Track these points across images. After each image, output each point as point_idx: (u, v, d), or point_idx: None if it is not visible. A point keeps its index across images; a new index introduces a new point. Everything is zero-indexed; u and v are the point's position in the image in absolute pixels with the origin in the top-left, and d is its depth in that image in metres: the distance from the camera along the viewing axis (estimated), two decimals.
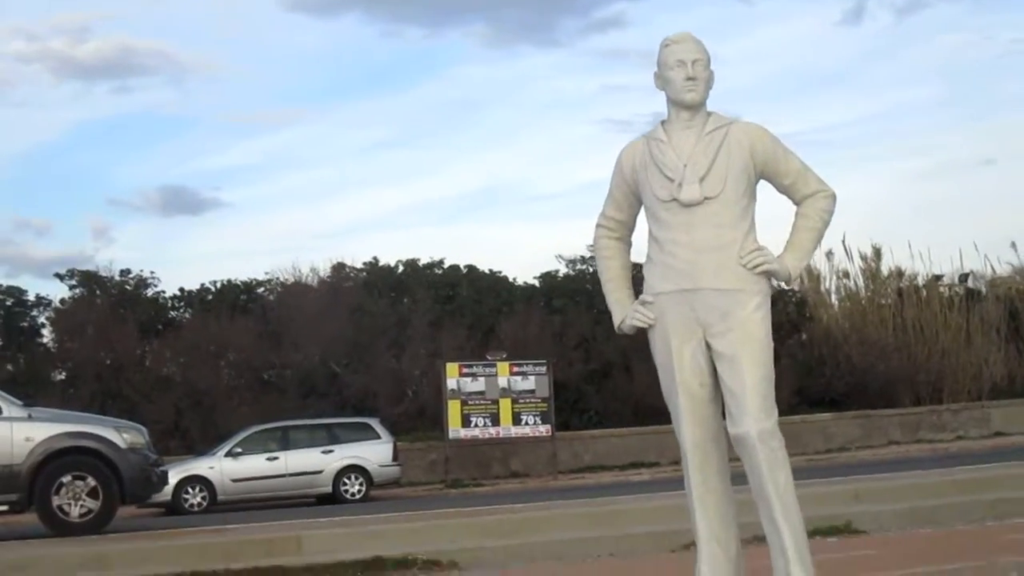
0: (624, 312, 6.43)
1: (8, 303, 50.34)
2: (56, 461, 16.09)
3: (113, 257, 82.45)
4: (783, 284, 6.46)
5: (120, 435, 16.53)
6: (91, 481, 16.09)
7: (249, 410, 38.49)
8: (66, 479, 16.04)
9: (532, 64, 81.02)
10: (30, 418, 16.33)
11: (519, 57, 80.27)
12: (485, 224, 79.18)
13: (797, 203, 6.34)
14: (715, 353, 6.12)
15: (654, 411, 39.91)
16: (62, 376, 47.60)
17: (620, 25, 79.13)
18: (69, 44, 76.09)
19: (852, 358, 44.83)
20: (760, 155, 6.19)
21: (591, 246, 6.71)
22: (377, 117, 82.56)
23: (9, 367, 49.78)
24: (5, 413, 16.19)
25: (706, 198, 6.10)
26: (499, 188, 79.24)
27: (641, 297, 6.38)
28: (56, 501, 15.98)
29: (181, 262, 75.28)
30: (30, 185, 78.41)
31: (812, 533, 7.54)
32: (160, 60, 77.57)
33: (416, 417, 39.79)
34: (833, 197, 6.31)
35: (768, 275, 6.19)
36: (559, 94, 78.81)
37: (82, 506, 16.02)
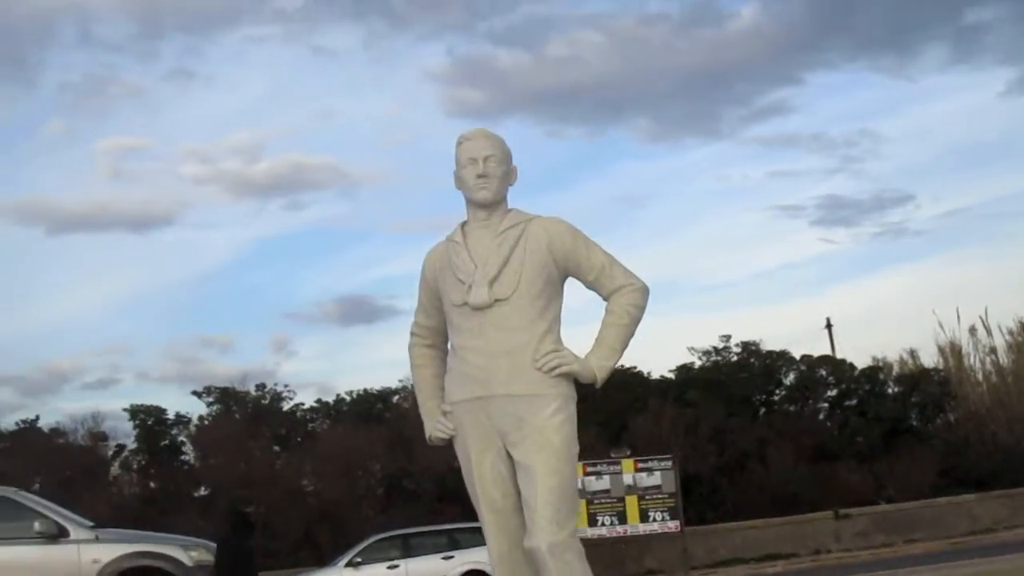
0: (432, 422, 6.04)
1: (149, 422, 51.15)
2: None
3: (297, 369, 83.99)
4: (594, 385, 5.98)
5: (187, 553, 16.35)
6: None
7: (382, 518, 38.41)
8: None
9: (697, 156, 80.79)
10: (97, 539, 16.23)
11: (683, 150, 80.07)
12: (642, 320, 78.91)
13: (605, 299, 5.94)
14: (515, 462, 5.70)
15: (791, 501, 39.14)
16: (203, 492, 48.13)
17: (782, 112, 78.44)
18: (243, 164, 78.39)
19: (998, 436, 43.41)
20: (559, 251, 5.83)
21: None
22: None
23: (152, 484, 50.51)
24: (72, 536, 16.12)
25: (496, 300, 5.75)
26: (659, 284, 78.87)
27: (442, 406, 5.97)
28: None
29: (361, 369, 78.86)
30: (212, 303, 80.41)
31: None
32: (331, 174, 79.01)
33: None
34: (641, 290, 5.94)
35: (568, 377, 5.75)
36: (726, 183, 78.50)
37: None
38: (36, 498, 17.29)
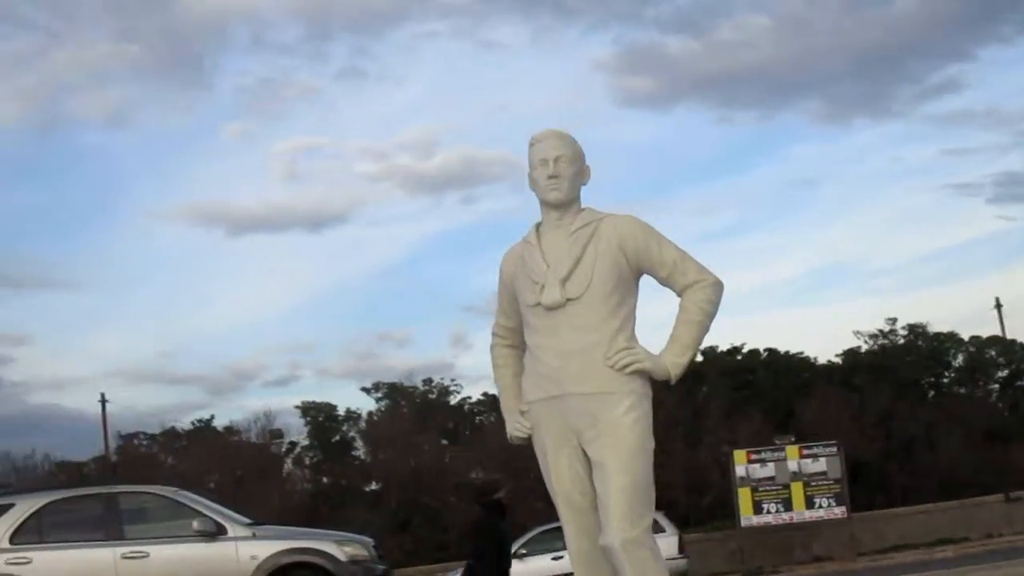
0: (512, 422, 6.10)
1: (320, 418, 52.04)
2: None
3: (474, 362, 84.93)
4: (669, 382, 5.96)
5: (341, 549, 16.58)
6: None
7: (548, 510, 38.49)
8: None
9: (868, 136, 79.86)
10: (254, 536, 16.54)
11: (854, 131, 79.24)
12: (809, 305, 78.21)
13: (679, 295, 5.88)
14: (591, 460, 5.73)
15: (961, 485, 38.52)
16: (373, 487, 48.81)
17: (955, 88, 77.53)
18: (416, 159, 79.85)
19: None
20: (632, 248, 5.81)
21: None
22: (714, 204, 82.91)
23: (323, 480, 51.38)
24: (230, 533, 16.44)
25: (568, 300, 5.75)
26: (828, 268, 78.10)
27: (520, 406, 6.03)
28: None
29: None
30: (389, 299, 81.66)
31: None
32: (503, 167, 79.76)
33: (714, 507, 39.24)
34: (715, 285, 5.87)
35: (642, 374, 5.76)
36: (898, 164, 77.39)
37: None
38: (196, 496, 17.66)
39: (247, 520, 17.38)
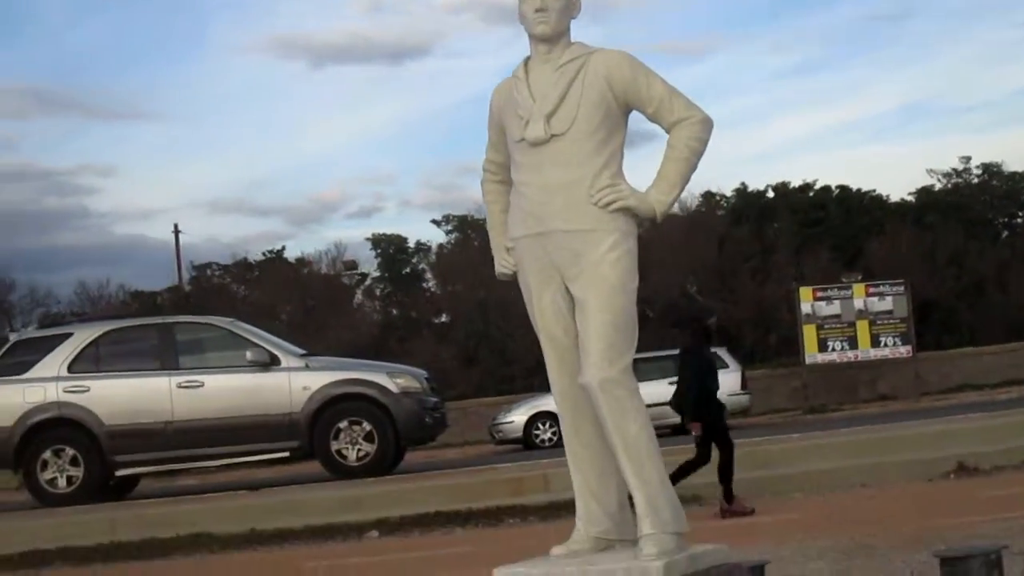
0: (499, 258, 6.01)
1: (391, 250, 52.27)
2: (332, 408, 16.44)
3: None
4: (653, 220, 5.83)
5: (392, 380, 16.72)
6: (366, 426, 16.34)
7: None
8: (343, 424, 16.36)
9: None
10: (307, 367, 16.72)
11: None
12: (886, 143, 77.30)
13: (667, 131, 5.67)
14: (574, 298, 5.64)
15: None
16: (442, 319, 49.13)
17: None
18: None
19: None
20: (619, 83, 5.59)
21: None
22: (796, 39, 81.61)
23: (394, 311, 51.76)
24: (284, 363, 16.63)
25: (553, 135, 5.56)
26: (907, 106, 76.93)
27: (505, 243, 5.94)
28: (334, 446, 16.33)
29: None
30: (470, 130, 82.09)
31: None
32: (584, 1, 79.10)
33: (781, 344, 39.21)
34: (704, 122, 5.63)
35: (626, 212, 5.64)
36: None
37: (359, 450, 16.30)
38: (251, 328, 17.84)
39: (300, 351, 17.58)
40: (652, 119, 5.67)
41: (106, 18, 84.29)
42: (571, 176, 5.55)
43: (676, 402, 13.30)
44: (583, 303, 5.51)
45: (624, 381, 5.46)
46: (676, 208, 47.98)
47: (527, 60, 5.82)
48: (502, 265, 5.90)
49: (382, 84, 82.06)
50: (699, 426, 12.56)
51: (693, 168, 5.65)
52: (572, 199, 5.54)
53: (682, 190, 5.72)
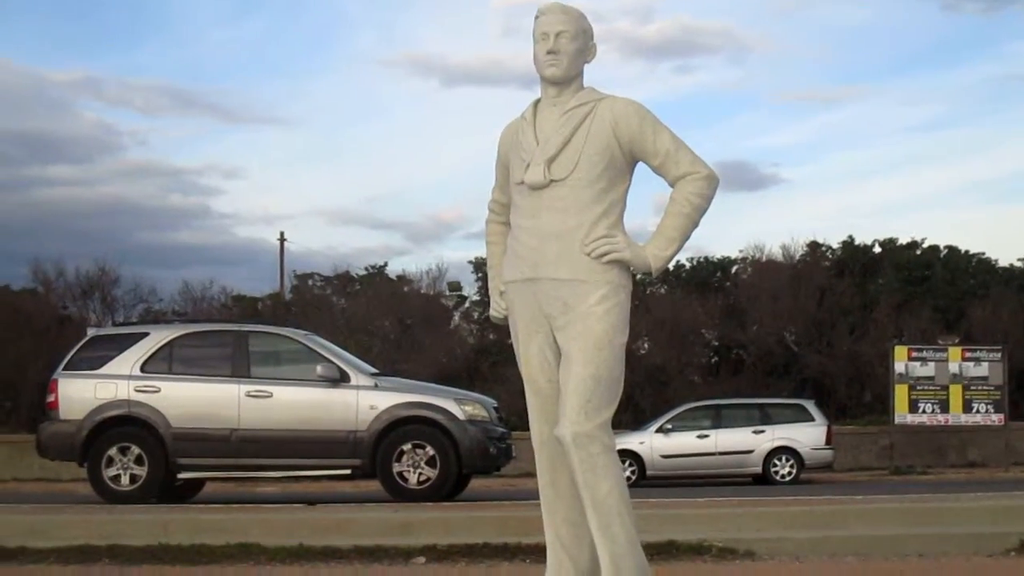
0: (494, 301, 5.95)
1: None
2: (398, 430, 16.45)
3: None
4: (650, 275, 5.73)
5: (460, 407, 16.70)
6: (430, 450, 16.34)
7: (704, 386, 38.46)
8: (407, 447, 16.36)
9: None
10: (376, 387, 16.76)
11: None
12: (1003, 204, 76.23)
13: (671, 185, 5.61)
14: (560, 348, 5.55)
15: None
16: None
17: None
18: (634, 24, 79.23)
19: None
20: (625, 133, 5.55)
21: None
22: (932, 94, 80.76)
23: (491, 335, 51.67)
24: (353, 381, 16.68)
25: (552, 180, 5.53)
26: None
27: (500, 286, 5.86)
28: (396, 468, 16.34)
29: (740, 237, 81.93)
30: None
31: None
32: (721, 39, 79.16)
33: (874, 402, 38.75)
34: (708, 178, 5.59)
35: (621, 265, 5.53)
36: None
37: (421, 474, 16.29)
38: (325, 342, 17.92)
39: (372, 370, 17.64)
40: (657, 171, 5.63)
41: (253, 24, 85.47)
42: (567, 224, 5.51)
43: None
44: (568, 354, 5.47)
45: (600, 437, 5.40)
46: (781, 256, 47.83)
47: (537, 102, 5.77)
48: (495, 309, 5.86)
49: (512, 107, 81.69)
50: None
51: (695, 224, 5.60)
52: (566, 247, 5.50)
53: (681, 246, 5.66)
